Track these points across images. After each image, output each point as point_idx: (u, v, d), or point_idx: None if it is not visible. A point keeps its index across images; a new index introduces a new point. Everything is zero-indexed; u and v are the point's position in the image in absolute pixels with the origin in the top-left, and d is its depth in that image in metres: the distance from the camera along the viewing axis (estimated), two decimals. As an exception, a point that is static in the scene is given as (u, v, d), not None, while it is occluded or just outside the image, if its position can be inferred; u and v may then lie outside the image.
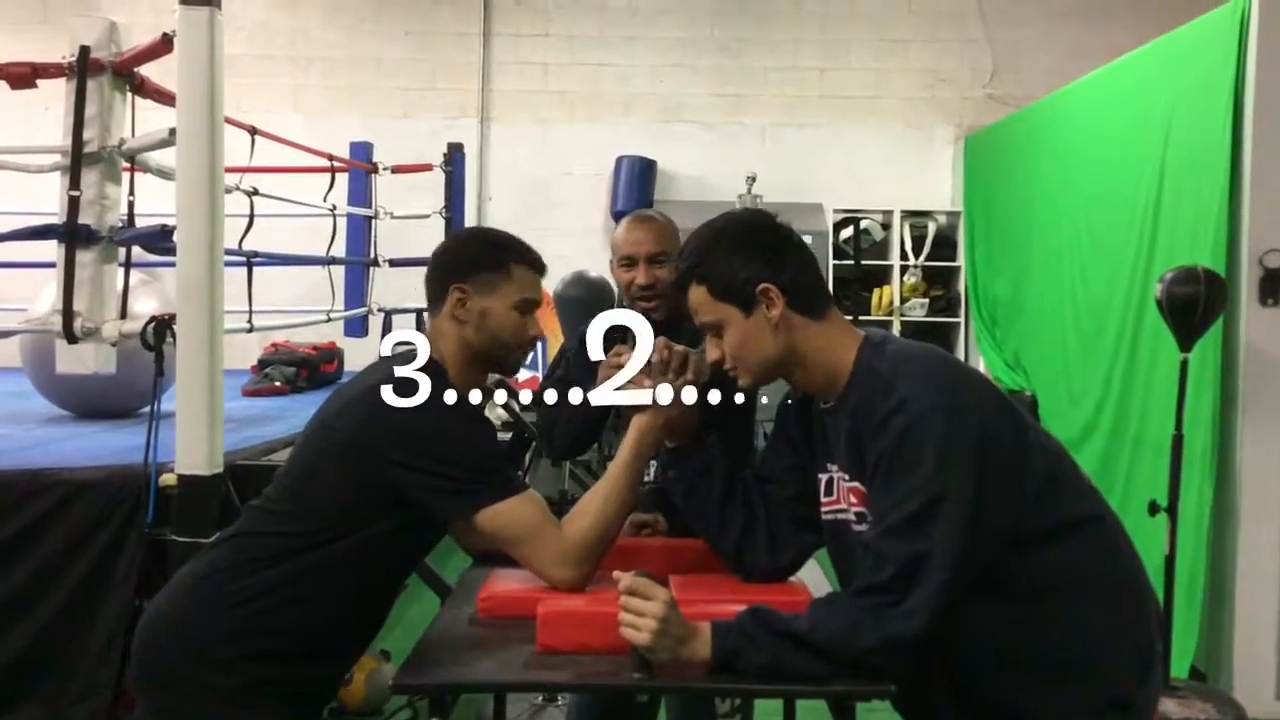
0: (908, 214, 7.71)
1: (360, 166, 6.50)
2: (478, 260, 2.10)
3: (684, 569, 2.10)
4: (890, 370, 1.73)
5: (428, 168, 6.72)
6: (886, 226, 7.75)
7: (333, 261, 6.09)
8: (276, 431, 4.20)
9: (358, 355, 6.45)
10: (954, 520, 1.63)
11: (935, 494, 1.63)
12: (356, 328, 6.50)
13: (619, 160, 7.81)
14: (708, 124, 7.97)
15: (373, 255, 6.52)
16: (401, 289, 6.72)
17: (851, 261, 7.62)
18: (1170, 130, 4.60)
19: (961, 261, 7.61)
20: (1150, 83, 4.87)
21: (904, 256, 7.65)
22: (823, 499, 1.91)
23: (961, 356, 7.59)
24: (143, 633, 2.00)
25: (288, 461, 2.10)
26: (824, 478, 1.91)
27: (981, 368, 7.22)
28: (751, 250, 1.82)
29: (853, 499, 1.81)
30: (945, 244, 7.72)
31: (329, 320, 5.85)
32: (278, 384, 5.58)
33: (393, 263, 6.47)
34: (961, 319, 7.61)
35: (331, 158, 5.98)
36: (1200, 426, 4.03)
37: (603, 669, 1.69)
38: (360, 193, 6.69)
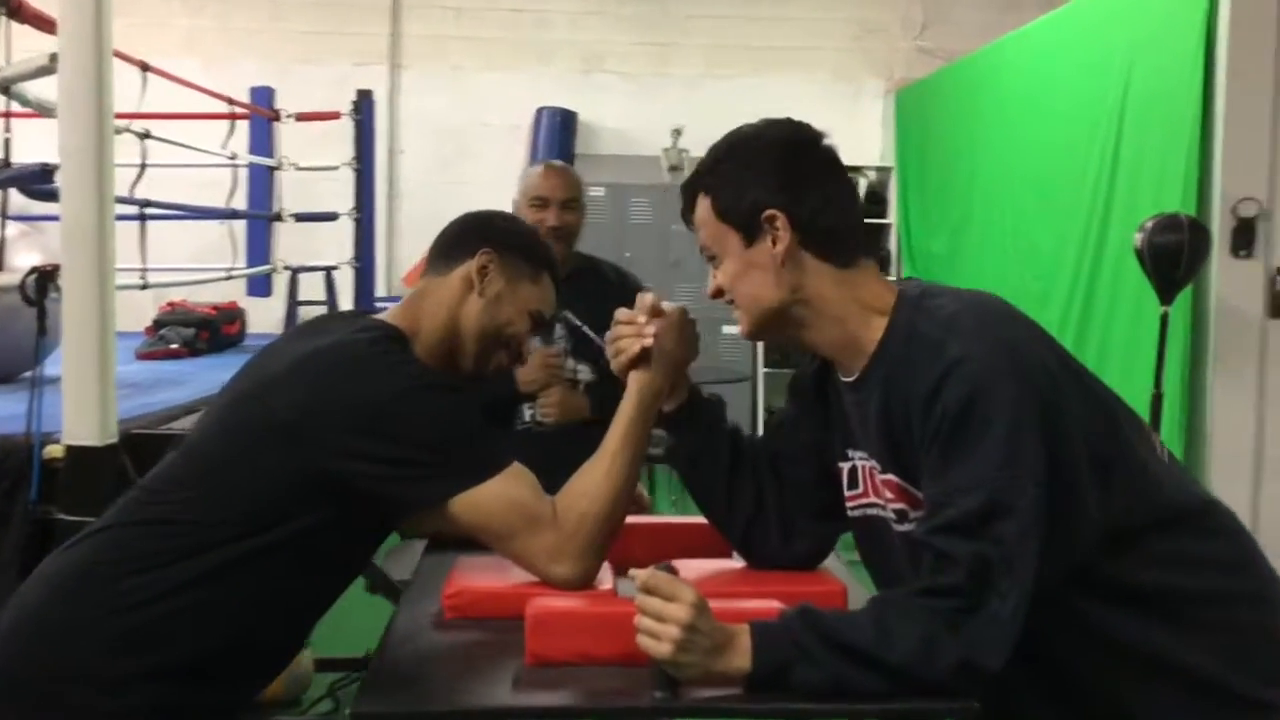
0: (838, 169, 7.45)
1: (261, 113, 6.06)
2: (522, 242, 1.82)
3: (680, 555, 1.80)
4: (940, 329, 1.42)
5: (335, 115, 6.26)
6: (816, 182, 7.48)
7: (234, 215, 5.68)
8: (176, 398, 3.79)
9: (262, 316, 6.06)
10: (1031, 511, 1.35)
11: (1007, 480, 1.34)
12: (260, 286, 6.08)
13: (538, 111, 7.42)
14: (631, 74, 7.62)
15: (277, 209, 6.07)
16: (308, 245, 6.33)
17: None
18: (1131, 76, 4.39)
19: (893, 218, 7.41)
20: (1107, 27, 4.66)
21: (835, 212, 7.39)
22: (847, 492, 1.61)
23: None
24: (5, 640, 1.59)
25: (188, 441, 1.71)
26: (845, 467, 1.61)
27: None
28: (769, 168, 1.51)
29: (888, 494, 1.51)
30: (876, 200, 7.51)
31: (230, 278, 5.46)
32: (175, 346, 5.13)
33: (298, 217, 6.01)
34: (894, 277, 7.40)
35: (231, 101, 5.54)
36: (1170, 384, 3.85)
37: (614, 686, 1.36)
38: (262, 142, 6.26)
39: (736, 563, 1.77)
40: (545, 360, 2.77)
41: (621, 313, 1.70)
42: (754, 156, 1.53)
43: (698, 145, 7.27)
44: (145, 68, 4.43)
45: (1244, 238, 3.84)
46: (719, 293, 1.58)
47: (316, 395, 1.59)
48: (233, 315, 5.61)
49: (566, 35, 7.59)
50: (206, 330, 5.30)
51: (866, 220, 7.45)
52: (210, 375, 4.31)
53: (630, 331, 1.67)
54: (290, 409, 1.59)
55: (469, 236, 1.80)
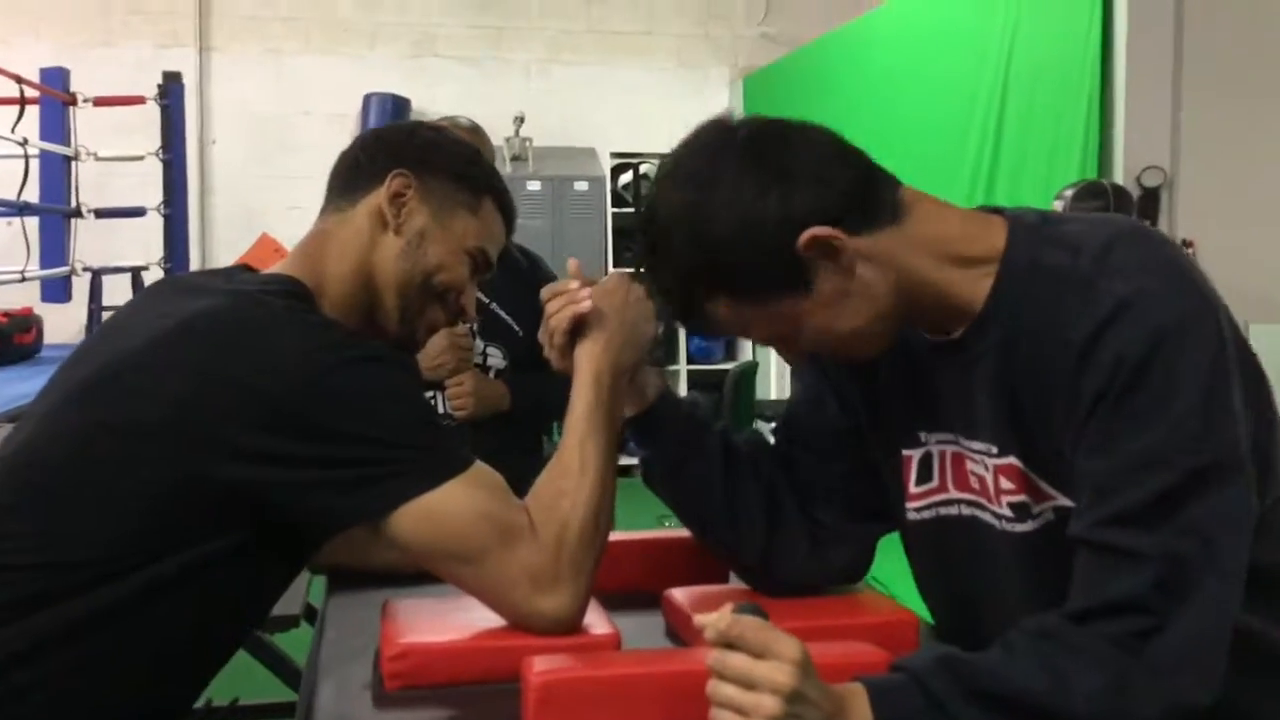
0: (688, 158, 7.16)
1: (54, 94, 5.35)
2: (448, 161, 1.38)
3: (678, 579, 1.40)
4: (1088, 262, 1.05)
5: (139, 100, 5.62)
6: (666, 172, 7.17)
7: (25, 210, 4.99)
8: (-36, 417, 3.20)
9: (60, 324, 5.38)
10: (1238, 489, 1.00)
11: (1203, 452, 0.99)
12: (57, 291, 5.37)
13: (366, 98, 6.87)
14: (466, 58, 7.13)
15: (75, 204, 5.40)
16: (110, 246, 5.68)
17: (632, 209, 7.01)
18: (1013, 45, 4.22)
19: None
20: (983, -3, 4.48)
21: (686, 203, 7.10)
22: (912, 487, 1.24)
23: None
24: None
25: (7, 463, 1.23)
26: (913, 455, 1.23)
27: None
28: (755, 195, 1.07)
29: (1005, 482, 1.14)
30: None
31: (23, 280, 4.81)
32: (-41, 359, 4.46)
33: (100, 213, 5.41)
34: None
35: (20, 80, 4.85)
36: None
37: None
38: (56, 129, 5.53)
39: (746, 589, 1.37)
40: (454, 340, 2.30)
41: (549, 288, 1.31)
42: (733, 199, 1.08)
43: (541, 134, 6.94)
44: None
45: (1149, 206, 3.67)
46: (801, 360, 1.24)
47: (199, 379, 1.13)
48: (27, 323, 4.94)
49: (395, 16, 7.06)
50: (-4, 340, 4.65)
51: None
52: (4, 390, 3.71)
53: (561, 302, 1.29)
54: (161, 402, 1.12)
55: (375, 156, 1.36)
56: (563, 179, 6.81)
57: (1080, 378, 1.03)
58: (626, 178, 7.07)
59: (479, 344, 2.40)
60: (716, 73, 7.48)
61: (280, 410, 1.12)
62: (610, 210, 6.92)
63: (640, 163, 7.05)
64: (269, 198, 6.69)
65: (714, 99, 7.46)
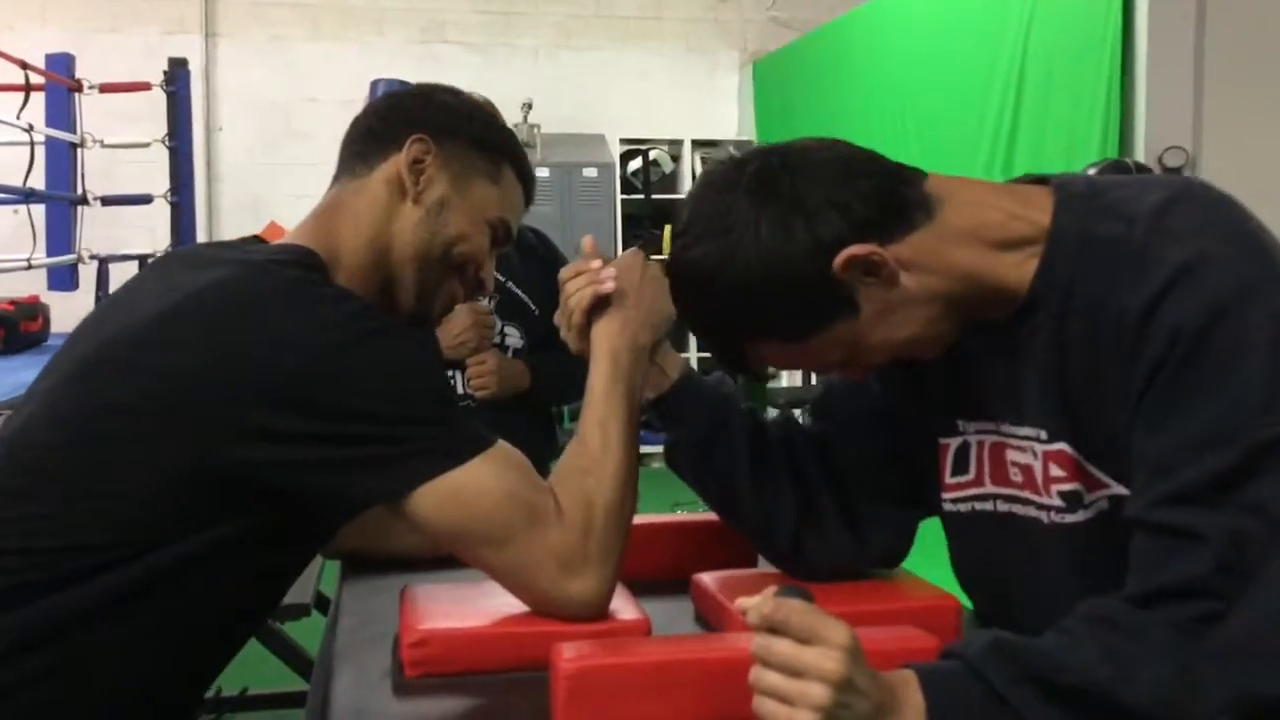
0: (698, 143, 7.10)
1: (59, 80, 5.30)
2: (467, 126, 1.32)
3: (705, 564, 1.35)
4: (1142, 229, 0.99)
5: (145, 86, 5.56)
6: (676, 158, 7.12)
7: (31, 197, 4.94)
8: (-31, 404, 3.16)
9: (67, 312, 5.31)
10: None
11: (1268, 426, 0.93)
12: (64, 279, 5.33)
13: (374, 85, 6.75)
14: (475, 45, 7.06)
15: (81, 191, 5.34)
16: (116, 234, 5.65)
17: (641, 196, 6.95)
18: (1031, 25, 4.15)
19: (756, 195, 7.09)
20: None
21: (696, 189, 7.03)
22: (949, 478, 1.19)
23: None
24: None
25: (6, 444, 1.18)
26: (950, 444, 1.18)
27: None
28: (785, 232, 1.02)
29: (1055, 469, 1.08)
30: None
31: (29, 269, 4.74)
32: (-36, 347, 4.43)
33: (106, 200, 5.33)
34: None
35: (25, 65, 4.80)
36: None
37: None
38: (61, 115, 5.49)
39: (778, 573, 1.32)
40: (477, 317, 2.25)
41: (569, 268, 1.28)
42: (749, 241, 1.02)
43: (550, 121, 6.86)
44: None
45: (1172, 190, 3.60)
46: (865, 374, 1.19)
47: (206, 355, 1.08)
48: (33, 311, 4.91)
49: (402, 2, 6.99)
50: (3, 328, 4.64)
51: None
52: (10, 378, 3.68)
53: (581, 281, 1.25)
54: (166, 380, 1.08)
55: (393, 121, 1.30)
56: (571, 165, 6.74)
57: (1136, 351, 0.98)
58: (636, 164, 7.00)
59: (498, 323, 2.35)
60: (726, 57, 7.41)
61: (292, 387, 1.07)
62: (619, 197, 6.85)
63: (650, 149, 6.98)
64: (276, 185, 6.64)
65: (724, 84, 7.40)
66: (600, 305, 1.24)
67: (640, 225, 6.92)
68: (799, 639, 0.85)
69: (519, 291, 2.38)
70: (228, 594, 1.15)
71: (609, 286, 1.23)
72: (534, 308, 2.38)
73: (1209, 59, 3.61)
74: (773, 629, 0.86)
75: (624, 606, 1.18)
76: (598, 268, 1.24)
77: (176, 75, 5.72)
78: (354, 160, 1.31)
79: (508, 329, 2.38)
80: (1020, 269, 1.06)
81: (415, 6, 7.02)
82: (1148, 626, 0.92)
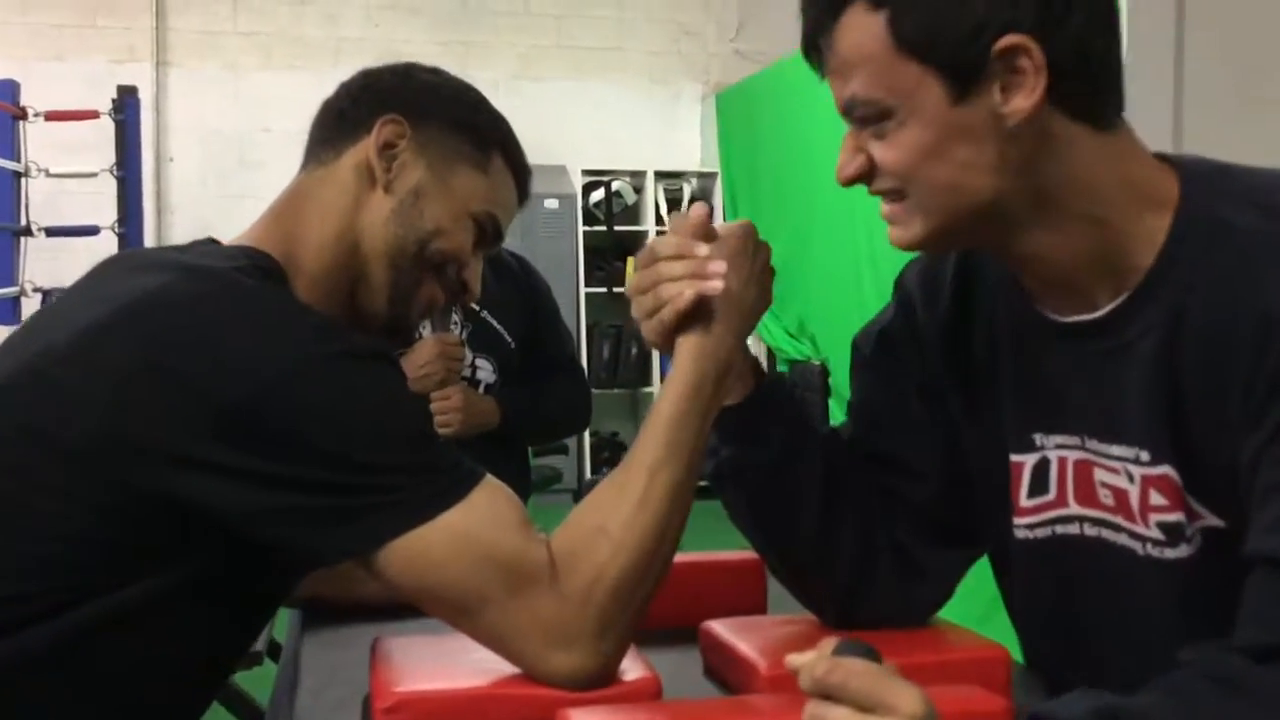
0: (661, 175, 7.01)
1: (3, 108, 5.14)
2: (450, 107, 1.17)
3: (711, 608, 1.21)
4: None
5: (93, 114, 5.43)
6: (639, 189, 7.01)
7: (-30, 227, 4.78)
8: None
9: (8, 348, 5.16)
10: None
11: None
12: (5, 312, 5.14)
13: (329, 115, 6.67)
14: (433, 75, 6.95)
15: (24, 222, 5.18)
16: (61, 266, 5.40)
17: (604, 228, 6.83)
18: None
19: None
20: None
21: (659, 221, 6.91)
22: (1023, 500, 1.04)
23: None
24: None
25: None
26: (1026, 461, 1.03)
27: (751, 338, 6.64)
28: None
29: (1156, 497, 0.94)
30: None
31: (-32, 302, 4.57)
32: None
33: (50, 231, 5.22)
34: (723, 289, 6.97)
35: (-36, 91, 4.64)
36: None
37: None
38: (5, 143, 5.31)
39: (798, 619, 1.18)
40: (444, 348, 2.10)
41: (665, 246, 1.03)
42: None
43: (510, 152, 6.75)
44: None
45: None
46: (867, 174, 0.97)
47: (138, 375, 0.93)
48: (-28, 346, 4.67)
49: (359, 32, 6.87)
50: (-62, 364, 4.37)
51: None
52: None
53: (682, 270, 1.01)
54: (93, 404, 0.93)
55: (363, 102, 1.17)
56: (533, 196, 6.56)
57: (1265, 360, 0.85)
58: (598, 195, 6.90)
59: (468, 355, 2.20)
60: (689, 89, 7.34)
61: (235, 415, 0.92)
62: (581, 228, 6.74)
63: (612, 180, 6.89)
64: (229, 216, 6.38)
65: (686, 115, 7.34)
66: (700, 307, 1.01)
67: (603, 257, 6.80)
68: (861, 706, 0.72)
69: (494, 321, 2.24)
70: (175, 649, 0.99)
71: (717, 287, 1.01)
72: (509, 340, 2.24)
73: (1188, 85, 3.55)
74: (828, 694, 0.72)
75: (629, 663, 1.03)
76: (705, 256, 1.01)
77: (125, 103, 5.58)
78: (321, 147, 1.17)
79: (479, 362, 2.23)
80: (1142, 227, 0.92)
81: (371, 36, 6.89)
82: (1277, 691, 0.78)
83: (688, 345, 1.03)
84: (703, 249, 1.01)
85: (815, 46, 0.97)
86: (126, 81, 5.84)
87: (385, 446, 0.96)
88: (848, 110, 0.96)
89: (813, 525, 1.11)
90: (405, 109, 1.14)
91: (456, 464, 1.00)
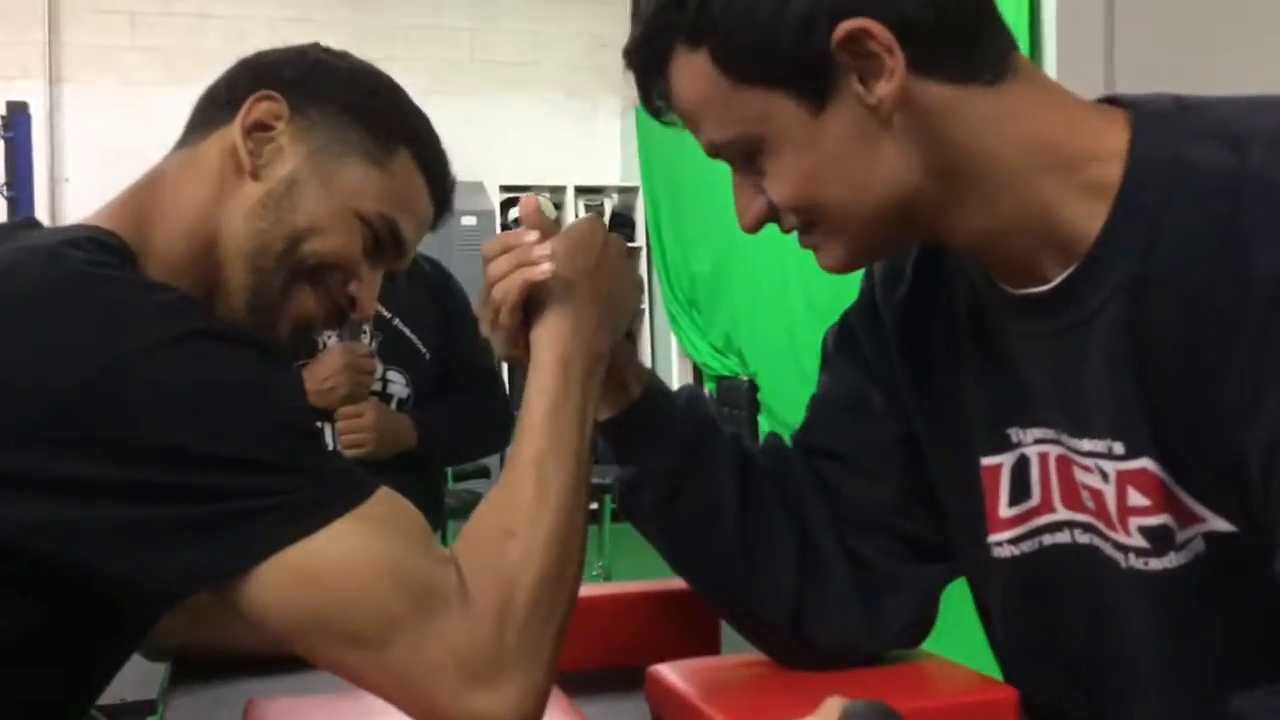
0: (581, 190, 6.88)
1: (-123, 124, 4.83)
2: (343, 89, 1.00)
3: (657, 649, 1.04)
4: (1262, 158, 0.72)
5: (-20, 132, 5.14)
6: (559, 205, 6.85)
7: None
8: None
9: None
10: None
11: None
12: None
13: (235, 131, 6.42)
14: (342, 89, 6.74)
15: (-97, 246, 4.86)
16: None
17: (523, 245, 6.66)
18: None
19: (643, 241, 6.86)
20: None
21: (581, 237, 6.77)
22: (1003, 509, 0.90)
23: (650, 343, 6.86)
24: None
25: None
26: (1003, 463, 0.89)
27: (676, 355, 6.54)
28: None
29: (1135, 496, 0.80)
30: (623, 223, 6.95)
31: None
32: None
33: (-67, 257, 4.87)
34: (646, 303, 6.83)
35: None
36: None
37: None
38: (-120, 164, 5.01)
39: (760, 660, 1.01)
40: (352, 359, 1.90)
41: (495, 241, 0.93)
42: None
43: (424, 168, 6.56)
44: None
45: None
46: (768, 217, 0.85)
47: None
48: None
49: (263, 44, 6.57)
50: None
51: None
52: None
53: (508, 264, 0.91)
54: None
55: (240, 81, 1.00)
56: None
57: (1273, 329, 0.70)
58: (516, 211, 6.73)
59: (379, 367, 2.01)
60: (607, 103, 7.20)
61: (67, 412, 0.74)
62: (501, 246, 6.57)
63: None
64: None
65: (606, 130, 7.21)
66: (541, 297, 0.91)
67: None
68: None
69: (407, 330, 2.05)
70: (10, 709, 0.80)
71: (545, 271, 0.89)
72: (424, 350, 2.05)
73: (1119, 58, 3.49)
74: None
75: (559, 716, 0.85)
76: (532, 241, 0.90)
77: (15, 120, 5.31)
78: (190, 132, 1.00)
79: (391, 375, 2.04)
80: (1086, 201, 0.79)
81: (276, 47, 6.66)
82: None
83: (540, 335, 0.91)
84: (530, 235, 0.91)
85: (653, 104, 0.88)
86: (17, 98, 5.56)
87: (249, 441, 0.78)
88: (715, 156, 0.86)
89: (733, 549, 0.97)
90: (288, 87, 0.98)
91: (345, 469, 0.82)
